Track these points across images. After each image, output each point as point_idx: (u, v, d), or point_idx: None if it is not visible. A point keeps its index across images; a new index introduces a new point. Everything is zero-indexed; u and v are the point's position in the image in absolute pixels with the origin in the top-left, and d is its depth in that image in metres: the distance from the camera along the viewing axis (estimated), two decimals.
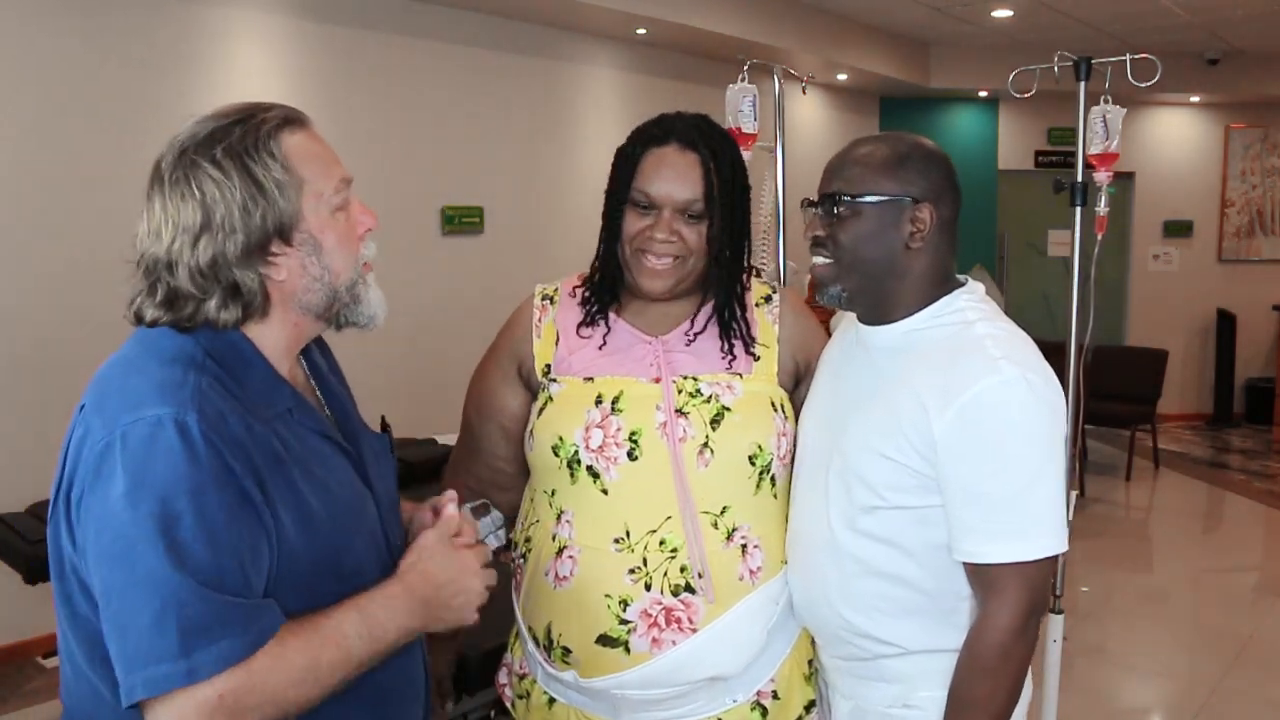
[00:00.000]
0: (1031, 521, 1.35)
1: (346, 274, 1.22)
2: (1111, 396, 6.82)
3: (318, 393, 1.33)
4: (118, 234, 1.23)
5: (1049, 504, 1.36)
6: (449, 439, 4.01)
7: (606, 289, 1.60)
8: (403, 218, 4.99)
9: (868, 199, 1.42)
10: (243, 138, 1.14)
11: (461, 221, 5.32)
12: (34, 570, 2.82)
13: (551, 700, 1.60)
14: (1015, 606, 1.35)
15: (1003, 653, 1.36)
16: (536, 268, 5.70)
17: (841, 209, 1.43)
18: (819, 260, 1.48)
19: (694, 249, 1.53)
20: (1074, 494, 2.68)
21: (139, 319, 1.17)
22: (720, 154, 1.55)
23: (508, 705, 1.72)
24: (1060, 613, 2.65)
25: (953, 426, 1.34)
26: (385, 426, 1.40)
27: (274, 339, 1.21)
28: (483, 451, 1.68)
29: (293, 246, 1.17)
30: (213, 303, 1.14)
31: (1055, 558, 1.38)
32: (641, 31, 5.83)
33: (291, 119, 1.20)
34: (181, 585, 1.01)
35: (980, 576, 1.38)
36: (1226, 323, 8.46)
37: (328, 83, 4.70)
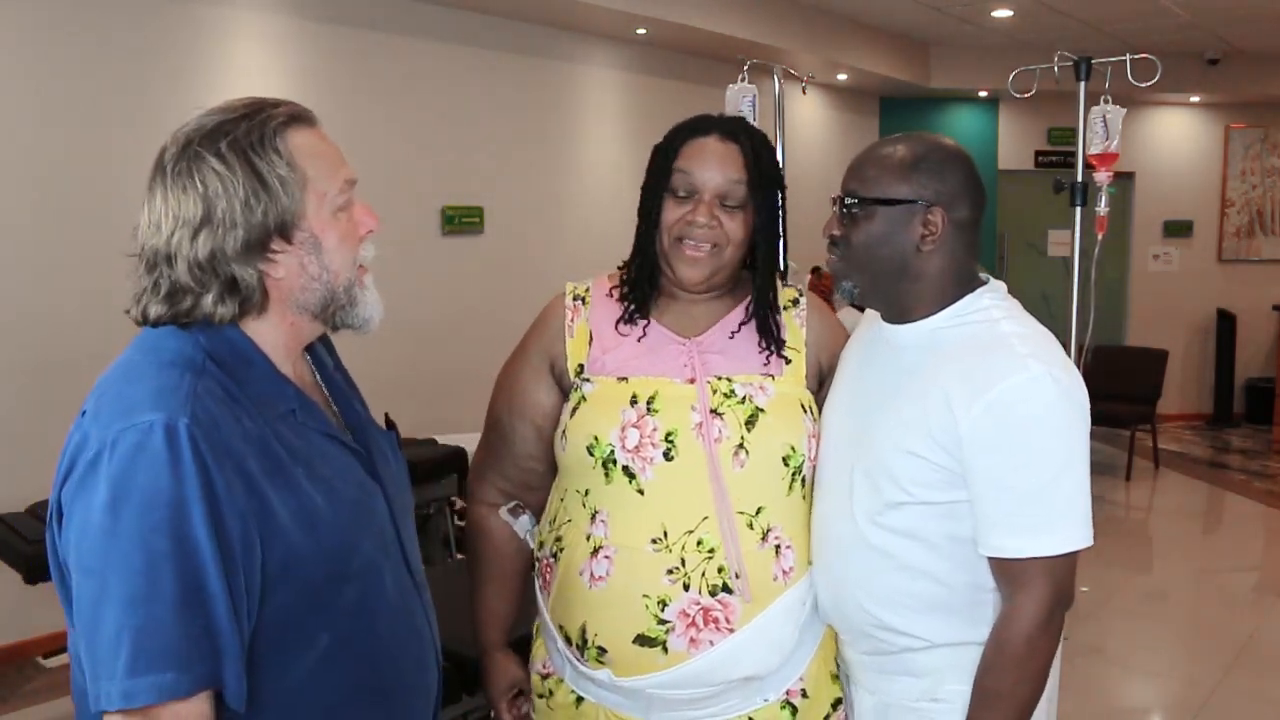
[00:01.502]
0: (1057, 516, 1.37)
1: (344, 275, 1.22)
2: (1111, 396, 6.81)
3: (325, 390, 1.33)
4: (118, 234, 1.23)
5: (1074, 499, 1.38)
6: (449, 439, 4.01)
7: (645, 283, 1.60)
8: (403, 218, 4.99)
9: (879, 202, 1.43)
10: (248, 132, 1.14)
11: (461, 221, 5.32)
12: (34, 570, 2.83)
13: (579, 699, 1.59)
14: (1041, 599, 1.37)
15: (1029, 645, 1.37)
16: (536, 268, 5.71)
17: (855, 209, 1.45)
18: (831, 256, 1.50)
19: (732, 238, 1.54)
20: None
21: (145, 317, 1.16)
22: (760, 149, 1.57)
23: None
24: None
25: (980, 422, 1.35)
26: (390, 424, 1.40)
27: (273, 338, 1.20)
28: (515, 452, 1.66)
29: (293, 245, 1.17)
30: (210, 297, 1.14)
31: (1078, 552, 1.39)
32: (641, 31, 5.83)
33: (299, 116, 1.19)
34: (144, 607, 1.01)
35: (1006, 570, 1.39)
36: (1226, 323, 8.46)
37: (328, 82, 4.70)
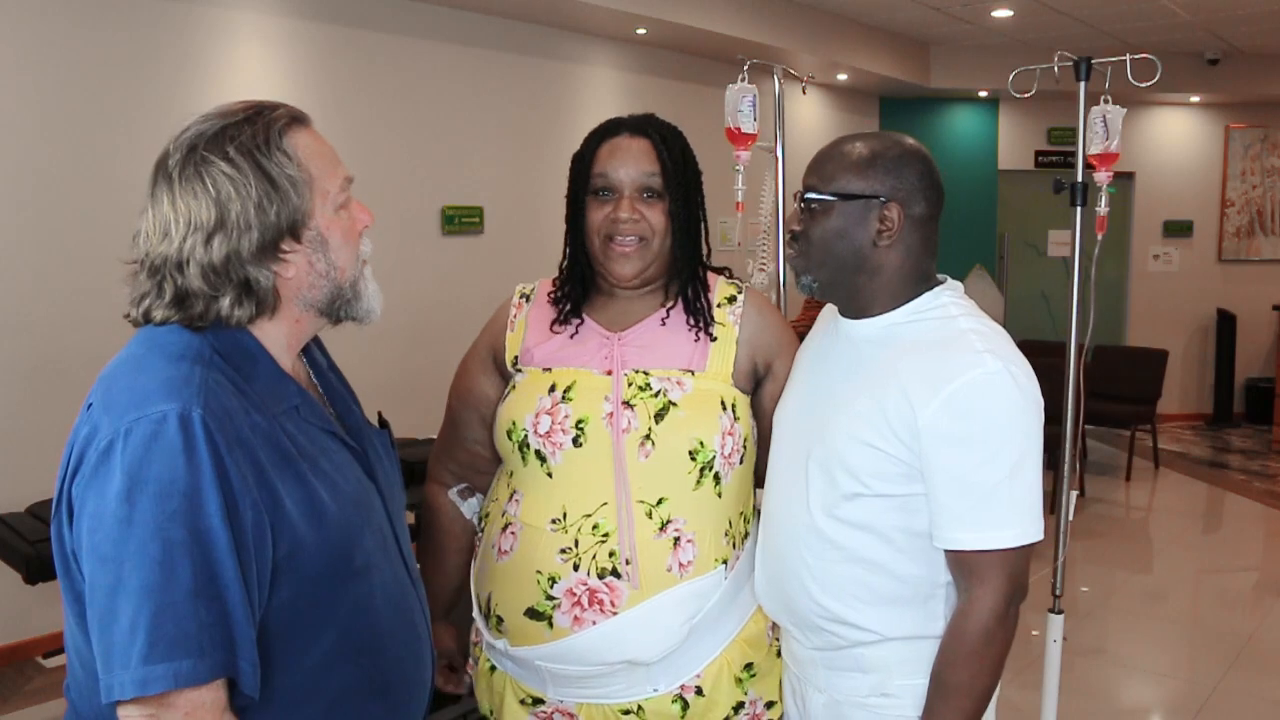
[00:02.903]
0: (1013, 510, 1.39)
1: (350, 270, 1.24)
2: (1111, 396, 6.82)
3: (320, 390, 1.34)
4: (119, 234, 1.23)
5: (1029, 493, 1.40)
6: None
7: (577, 287, 1.68)
8: (403, 218, 4.99)
9: (835, 196, 1.46)
10: (254, 135, 1.15)
11: (461, 221, 5.33)
12: (34, 570, 2.82)
13: (493, 668, 1.68)
14: (998, 592, 1.39)
15: (986, 637, 1.39)
16: (536, 268, 5.67)
17: (813, 204, 1.48)
18: (791, 252, 1.54)
19: (655, 228, 1.61)
20: (1074, 494, 2.68)
21: (147, 319, 1.16)
22: (670, 140, 1.64)
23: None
24: (1060, 613, 2.65)
25: (938, 416, 1.37)
26: (383, 423, 1.41)
27: (277, 336, 1.21)
28: (463, 437, 1.77)
29: (301, 244, 1.18)
30: (226, 301, 1.15)
31: (1033, 546, 1.42)
32: (641, 31, 5.83)
33: (298, 117, 1.21)
34: (160, 595, 1.01)
35: (963, 563, 1.41)
36: (1226, 323, 8.46)
37: (328, 83, 4.70)
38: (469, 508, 1.77)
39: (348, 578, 1.18)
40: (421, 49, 5.09)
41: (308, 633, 1.16)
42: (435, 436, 3.85)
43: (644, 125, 1.64)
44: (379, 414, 1.43)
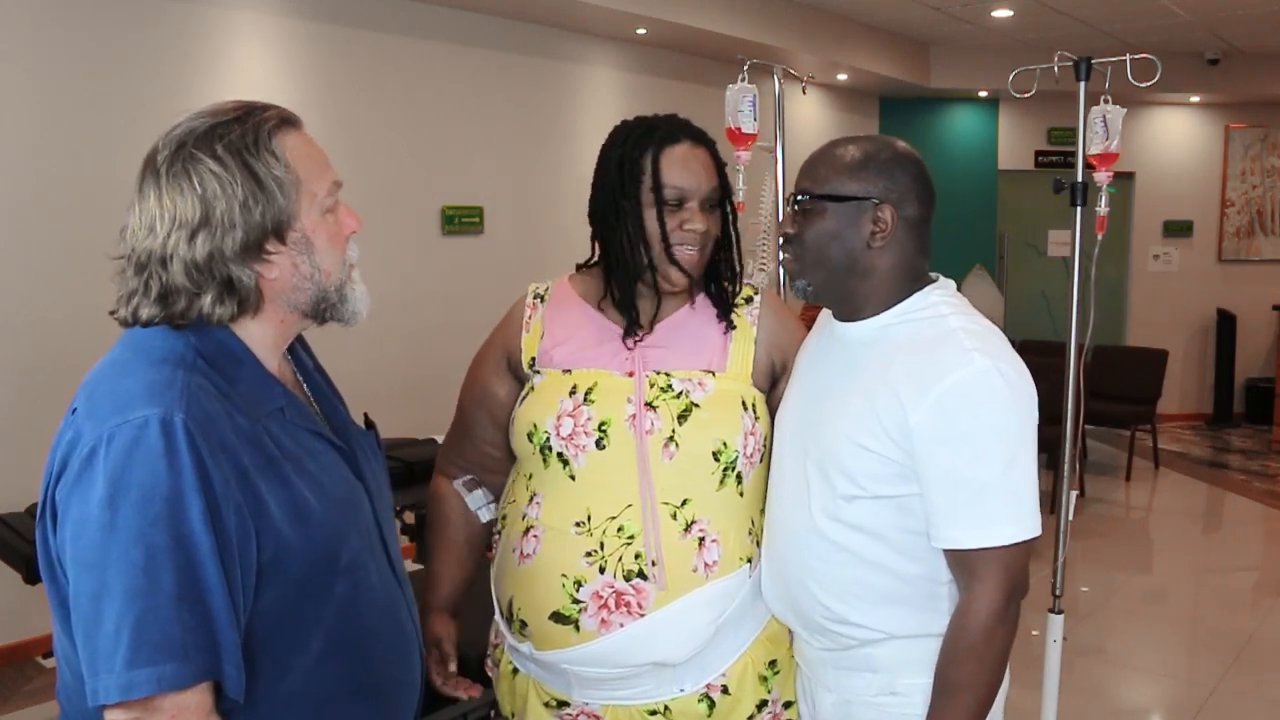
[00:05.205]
0: (1006, 507, 1.39)
1: (336, 274, 1.23)
2: (1111, 396, 6.82)
3: (306, 389, 1.34)
4: (118, 234, 1.23)
5: (1023, 490, 1.40)
6: None
7: (634, 292, 1.61)
8: (403, 218, 4.99)
9: (829, 198, 1.46)
10: (243, 135, 1.15)
11: (461, 221, 5.33)
12: (34, 570, 2.82)
13: (515, 670, 1.67)
14: (996, 590, 1.39)
15: (987, 635, 1.39)
16: (536, 268, 5.69)
17: (807, 207, 1.48)
18: (785, 255, 1.54)
19: (713, 235, 1.63)
20: (1074, 494, 2.68)
21: (134, 318, 1.16)
22: (716, 149, 1.66)
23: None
24: (1060, 613, 2.65)
25: (928, 416, 1.37)
26: (370, 424, 1.41)
27: (262, 336, 1.21)
28: (474, 437, 1.76)
29: (286, 245, 1.18)
30: (207, 298, 1.15)
31: (1031, 542, 1.41)
32: (641, 31, 5.83)
33: (288, 119, 1.20)
34: (144, 600, 1.01)
35: (961, 562, 1.41)
36: (1226, 323, 8.46)
37: (328, 83, 4.70)
38: (475, 500, 1.77)
39: (334, 579, 1.18)
40: (421, 49, 5.09)
41: (294, 634, 1.16)
42: (434, 436, 3.84)
43: (700, 135, 1.64)
44: (365, 415, 1.43)
